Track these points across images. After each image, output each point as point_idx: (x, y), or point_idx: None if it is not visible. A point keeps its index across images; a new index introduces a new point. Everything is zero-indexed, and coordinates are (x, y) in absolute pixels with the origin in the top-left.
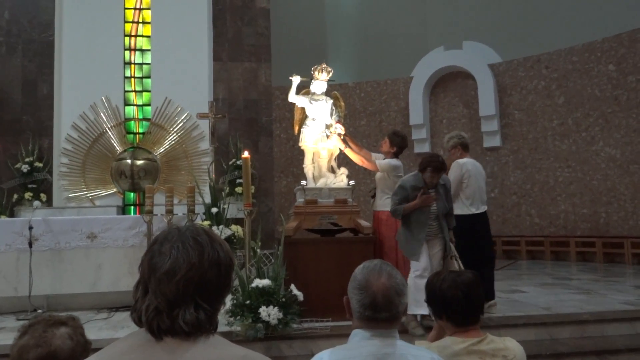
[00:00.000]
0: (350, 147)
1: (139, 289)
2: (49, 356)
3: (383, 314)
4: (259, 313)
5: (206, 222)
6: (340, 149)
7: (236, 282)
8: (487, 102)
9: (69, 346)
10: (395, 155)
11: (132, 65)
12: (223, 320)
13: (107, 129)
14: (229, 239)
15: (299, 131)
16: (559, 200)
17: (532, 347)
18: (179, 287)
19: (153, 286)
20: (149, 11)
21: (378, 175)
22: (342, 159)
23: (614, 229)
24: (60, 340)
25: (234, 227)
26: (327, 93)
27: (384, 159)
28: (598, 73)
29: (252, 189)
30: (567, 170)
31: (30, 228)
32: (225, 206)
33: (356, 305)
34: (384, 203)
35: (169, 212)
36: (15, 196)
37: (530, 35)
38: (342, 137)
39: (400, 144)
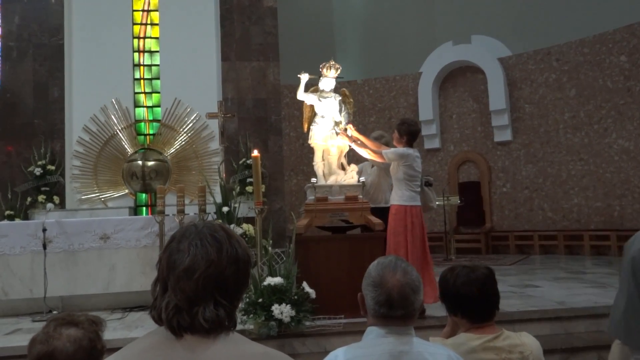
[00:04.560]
0: (356, 141)
1: (157, 286)
2: (47, 355)
3: (399, 311)
4: (272, 311)
5: (217, 222)
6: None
7: None
8: (497, 96)
9: (69, 350)
10: (408, 144)
11: (141, 67)
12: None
13: (117, 130)
14: None
15: (309, 129)
16: (571, 194)
17: (547, 342)
18: (199, 284)
19: (172, 283)
20: (157, 13)
21: (391, 168)
22: (352, 156)
23: (629, 221)
24: (61, 342)
25: (245, 225)
26: (336, 90)
27: None
28: (610, 64)
29: (263, 187)
30: (579, 164)
31: (44, 230)
32: (236, 205)
33: (371, 302)
34: (394, 196)
35: (180, 212)
36: (29, 199)
37: (540, 27)
38: (347, 134)
39: (408, 131)
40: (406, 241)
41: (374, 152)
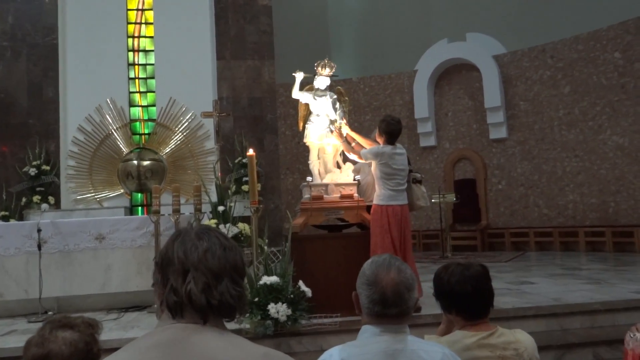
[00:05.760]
0: (350, 142)
1: (169, 279)
2: (42, 358)
3: (393, 310)
4: (268, 310)
5: (213, 221)
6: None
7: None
8: (492, 94)
9: (65, 352)
10: (388, 142)
11: (136, 66)
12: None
13: (112, 130)
14: (236, 237)
15: (304, 127)
16: (567, 191)
17: (543, 338)
18: (220, 262)
19: (195, 265)
20: (152, 12)
21: (371, 167)
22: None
23: (624, 217)
24: (57, 345)
25: (241, 225)
26: (331, 88)
27: None
28: (604, 61)
29: (258, 186)
30: (574, 160)
31: (39, 231)
32: (232, 204)
33: (365, 301)
34: (374, 196)
35: (176, 211)
36: (24, 200)
37: (534, 25)
38: (342, 132)
39: (386, 130)
40: (383, 242)
41: (354, 152)
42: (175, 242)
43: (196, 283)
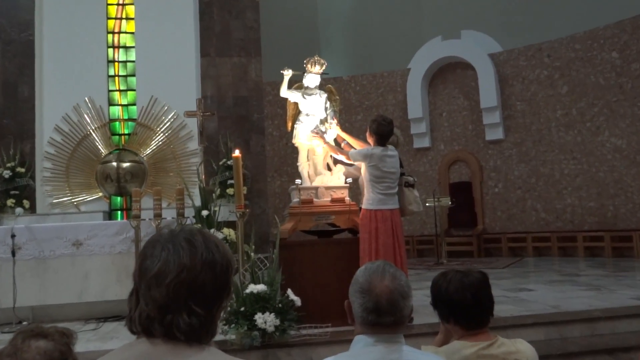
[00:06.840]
0: (328, 143)
1: (132, 296)
2: None
3: (387, 319)
4: (255, 320)
5: (196, 226)
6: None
7: None
8: (488, 93)
9: None
10: (378, 143)
11: (116, 64)
12: (217, 329)
13: (91, 130)
14: None
15: (293, 128)
16: (565, 194)
17: (542, 347)
18: (170, 290)
19: (143, 292)
20: (132, 6)
21: (361, 169)
22: None
23: (622, 222)
24: (30, 355)
25: (226, 230)
26: (321, 87)
27: None
28: (601, 61)
29: (244, 189)
30: (572, 163)
31: (13, 236)
32: (216, 209)
33: (358, 309)
34: (364, 200)
35: (157, 216)
36: None
37: (531, 23)
38: (323, 137)
39: (376, 131)
40: (370, 248)
41: (342, 153)
42: (144, 252)
43: (140, 315)
